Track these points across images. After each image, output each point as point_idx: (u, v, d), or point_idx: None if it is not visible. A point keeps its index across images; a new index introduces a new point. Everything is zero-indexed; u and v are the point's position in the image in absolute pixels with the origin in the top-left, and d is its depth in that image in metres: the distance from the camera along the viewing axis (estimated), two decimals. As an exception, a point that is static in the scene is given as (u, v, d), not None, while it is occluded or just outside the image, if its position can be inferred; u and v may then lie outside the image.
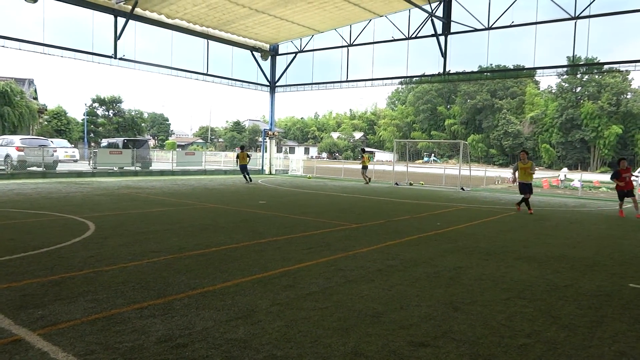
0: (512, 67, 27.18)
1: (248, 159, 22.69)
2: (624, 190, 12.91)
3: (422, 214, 12.18)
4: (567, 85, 71.06)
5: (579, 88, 70.44)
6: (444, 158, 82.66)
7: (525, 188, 13.06)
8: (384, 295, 4.98)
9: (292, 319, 4.16)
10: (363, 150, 26.24)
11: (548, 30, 20.15)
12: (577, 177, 25.62)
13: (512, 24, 20.43)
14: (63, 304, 4.34)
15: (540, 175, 36.30)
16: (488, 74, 29.18)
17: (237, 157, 22.71)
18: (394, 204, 14.82)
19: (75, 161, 29.91)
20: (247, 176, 22.41)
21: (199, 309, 4.36)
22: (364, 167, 24.42)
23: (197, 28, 24.79)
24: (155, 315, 4.14)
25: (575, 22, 19.16)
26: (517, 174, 13.31)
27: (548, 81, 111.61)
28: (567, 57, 21.74)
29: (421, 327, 4.08)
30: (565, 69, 23.76)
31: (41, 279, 5.12)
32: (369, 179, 24.27)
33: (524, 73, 26.93)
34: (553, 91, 75.25)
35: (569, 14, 19.17)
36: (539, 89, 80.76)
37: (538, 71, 21.45)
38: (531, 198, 13.44)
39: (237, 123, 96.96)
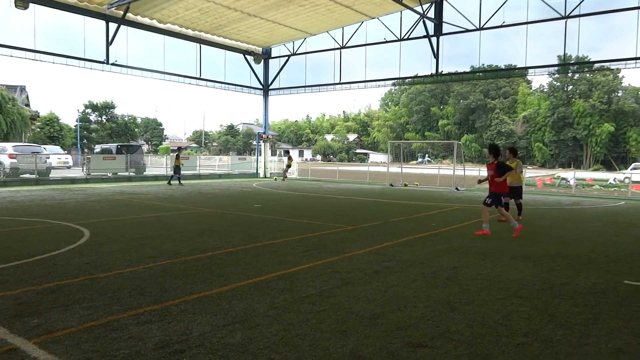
0: (504, 67, 27.24)
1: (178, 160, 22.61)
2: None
3: (417, 215, 12.20)
4: (558, 84, 71.49)
5: (570, 87, 70.89)
6: (437, 158, 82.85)
7: (510, 192, 10.50)
8: (381, 296, 4.98)
9: (289, 323, 4.16)
10: (287, 152, 29.91)
11: (539, 29, 20.28)
12: (570, 175, 25.75)
13: (504, 24, 20.54)
14: (59, 312, 4.31)
15: (533, 174, 36.46)
16: (480, 74, 29.32)
17: (177, 157, 22.66)
18: (389, 205, 14.83)
19: (69, 167, 29.77)
20: (173, 178, 22.53)
21: (195, 314, 4.34)
22: (288, 166, 27.78)
23: (190, 32, 24.75)
24: (152, 322, 4.12)
25: (566, 22, 19.30)
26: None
27: (540, 80, 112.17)
28: (558, 56, 21.84)
29: (419, 328, 4.09)
30: (556, 68, 23.86)
31: (36, 287, 5.08)
32: (285, 178, 27.11)
33: (516, 73, 27.06)
34: (545, 90, 75.72)
35: (560, 14, 19.30)
36: (531, 89, 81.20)
37: (530, 70, 21.57)
38: (524, 197, 12.63)
39: (231, 127, 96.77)
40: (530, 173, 33.54)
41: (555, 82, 71.73)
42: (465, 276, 5.90)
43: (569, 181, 26.02)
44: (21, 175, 21.28)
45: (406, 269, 6.20)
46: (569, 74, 66.74)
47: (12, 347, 3.53)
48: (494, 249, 7.66)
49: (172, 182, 22.42)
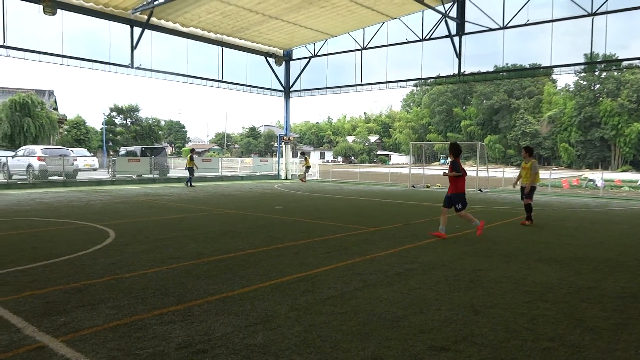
0: (528, 66, 26.79)
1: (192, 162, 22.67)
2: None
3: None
4: (584, 83, 69.90)
5: (597, 85, 69.24)
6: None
7: (524, 193, 10.95)
8: (403, 299, 4.94)
9: (311, 324, 4.15)
10: (303, 153, 30.59)
11: (564, 27, 19.86)
12: (598, 177, 25.12)
13: (528, 22, 20.20)
14: (85, 311, 4.40)
15: (559, 175, 35.74)
16: (504, 73, 28.83)
17: (191, 158, 22.73)
18: (411, 207, 14.72)
19: (95, 170, 30.37)
20: (192, 180, 22.51)
21: (218, 314, 4.38)
22: (308, 168, 27.82)
23: (212, 35, 25.05)
24: (175, 321, 4.17)
25: (593, 19, 18.86)
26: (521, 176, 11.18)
27: (566, 79, 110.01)
28: (585, 54, 21.37)
29: (442, 331, 4.04)
30: (582, 67, 23.33)
31: (63, 286, 5.20)
32: (305, 180, 27.12)
33: (541, 72, 26.59)
34: (571, 89, 74.11)
35: (586, 11, 18.87)
36: (556, 88, 79.61)
37: (555, 69, 21.14)
38: (550, 198, 12.72)
39: (253, 129, 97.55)
40: (556, 174, 32.86)
41: (581, 81, 70.18)
42: (489, 279, 5.80)
43: (596, 182, 25.40)
44: (49, 177, 21.85)
45: (428, 271, 6.14)
46: (596, 73, 65.19)
47: (40, 345, 3.62)
48: (518, 252, 7.53)
49: (192, 184, 22.61)
